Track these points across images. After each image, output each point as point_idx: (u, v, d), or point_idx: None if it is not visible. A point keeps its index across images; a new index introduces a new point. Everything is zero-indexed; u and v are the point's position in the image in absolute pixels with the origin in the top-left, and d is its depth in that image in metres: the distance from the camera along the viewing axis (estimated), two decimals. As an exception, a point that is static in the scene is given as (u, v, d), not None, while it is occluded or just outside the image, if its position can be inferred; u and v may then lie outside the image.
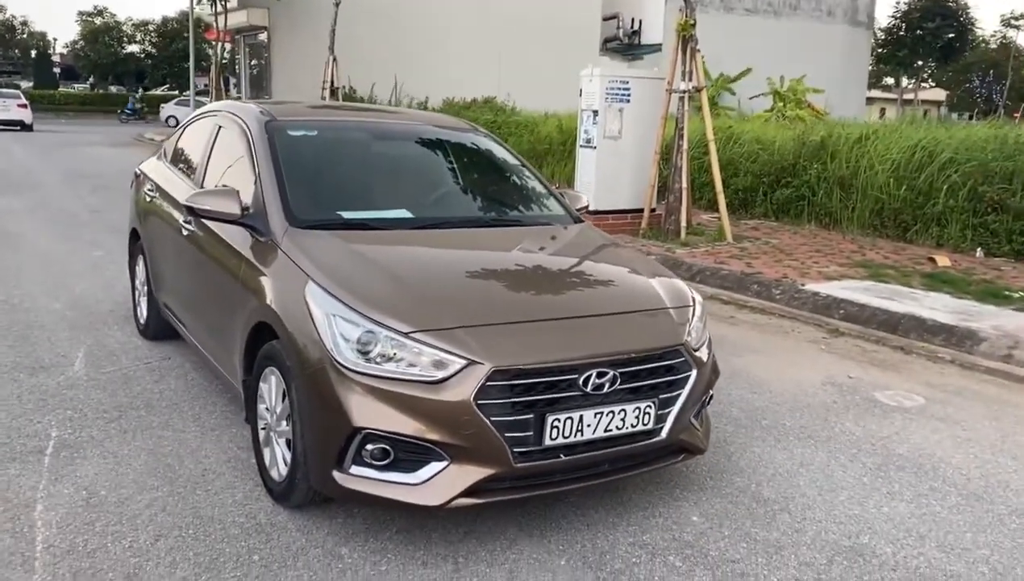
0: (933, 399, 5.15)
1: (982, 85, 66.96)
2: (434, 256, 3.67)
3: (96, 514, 3.31)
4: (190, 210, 3.85)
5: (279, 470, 3.39)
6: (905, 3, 44.84)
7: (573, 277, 3.71)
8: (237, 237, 3.86)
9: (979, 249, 9.30)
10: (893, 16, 45.45)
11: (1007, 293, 7.41)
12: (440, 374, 2.93)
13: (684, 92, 9.69)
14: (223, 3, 26.82)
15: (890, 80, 63.04)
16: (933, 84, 66.38)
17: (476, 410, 2.90)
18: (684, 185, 9.76)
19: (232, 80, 36.97)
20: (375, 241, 3.67)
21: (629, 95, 10.01)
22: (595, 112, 9.94)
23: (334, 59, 18.14)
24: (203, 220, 4.06)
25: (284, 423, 3.33)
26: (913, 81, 55.67)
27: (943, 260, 8.72)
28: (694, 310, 3.61)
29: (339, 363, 2.99)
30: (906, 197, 10.07)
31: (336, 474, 3.03)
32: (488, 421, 2.91)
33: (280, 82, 28.59)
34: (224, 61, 39.63)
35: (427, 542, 3.19)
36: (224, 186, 4.07)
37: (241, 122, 4.36)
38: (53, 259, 8.27)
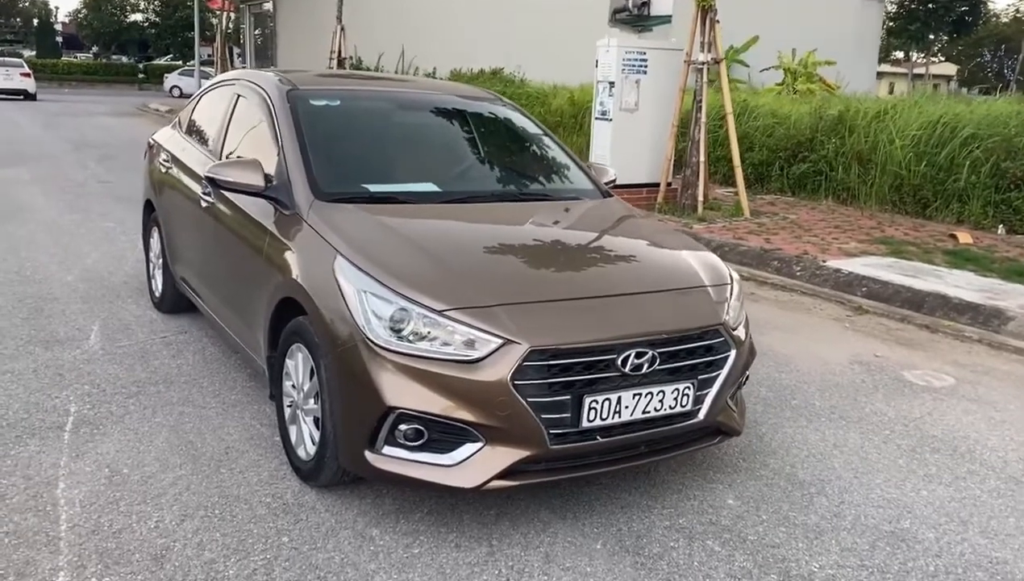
0: (963, 379, 5.06)
1: (993, 60, 66.33)
2: (465, 231, 3.56)
3: (120, 492, 3.23)
4: (212, 182, 3.73)
5: (306, 449, 3.31)
6: (918, -25, 44.25)
7: (609, 254, 3.60)
8: (260, 210, 3.75)
9: (1001, 226, 9.17)
10: (906, -12, 44.85)
11: (1031, 271, 7.29)
12: (475, 353, 2.84)
13: (703, 64, 9.52)
14: (228, -29, 26.47)
15: (899, 54, 62.31)
16: (943, 59, 65.64)
17: (513, 391, 2.81)
18: (702, 159, 9.62)
19: (236, 50, 36.65)
20: (404, 215, 3.56)
21: (646, 66, 9.83)
22: (611, 83, 9.77)
23: (342, 28, 17.91)
24: (224, 192, 3.94)
25: (312, 401, 3.25)
26: (923, 55, 55.07)
27: (965, 237, 8.59)
28: (732, 288, 3.51)
29: (371, 341, 2.89)
30: (926, 173, 9.91)
31: (368, 454, 2.94)
32: (524, 402, 2.82)
33: (286, 52, 28.32)
34: (228, 31, 39.26)
35: (459, 524, 3.12)
36: (247, 157, 3.94)
37: (261, 91, 4.24)
38: (63, 230, 8.16)
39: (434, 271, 3.09)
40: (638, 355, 2.97)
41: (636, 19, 10.52)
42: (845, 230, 9.12)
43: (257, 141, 4.16)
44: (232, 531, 3.00)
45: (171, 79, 39.85)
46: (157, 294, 5.52)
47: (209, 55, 36.85)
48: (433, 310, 2.88)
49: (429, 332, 2.87)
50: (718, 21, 9.48)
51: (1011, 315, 6.09)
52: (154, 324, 5.30)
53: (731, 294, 3.47)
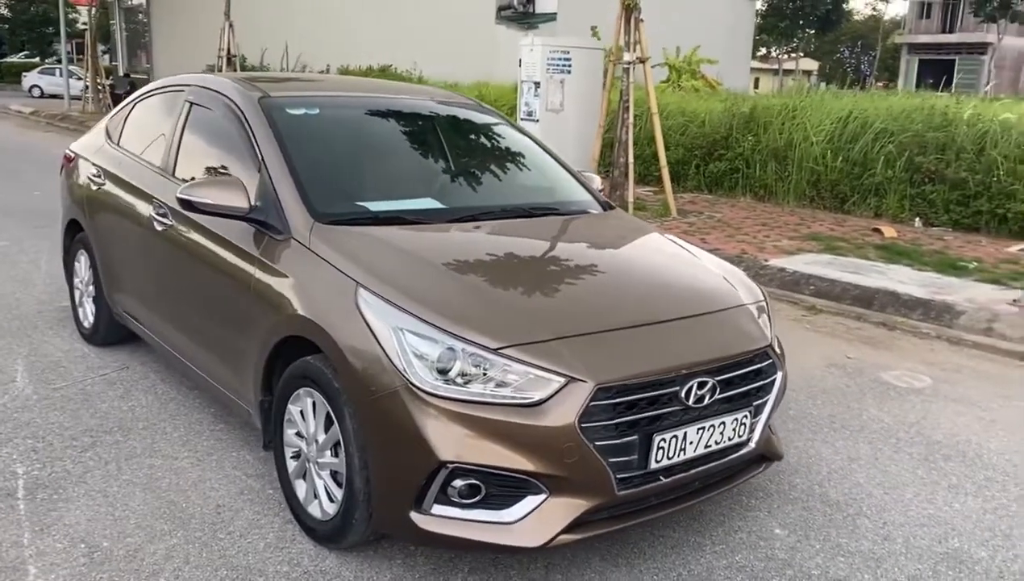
0: (938, 379, 5.08)
1: (851, 56, 70.05)
2: (494, 254, 3.22)
3: (106, 573, 2.76)
4: (186, 204, 3.26)
5: (322, 507, 2.92)
6: (786, -25, 46.16)
7: (646, 274, 3.34)
8: (240, 235, 3.32)
9: (917, 219, 9.46)
10: (775, -13, 46.72)
11: (961, 263, 7.51)
12: (536, 395, 2.54)
13: (628, 64, 9.42)
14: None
15: (762, 50, 64.81)
16: (802, 55, 68.74)
17: (580, 435, 2.53)
18: (630, 159, 9.52)
19: (101, 48, 34.53)
20: (419, 237, 3.19)
21: (570, 66, 9.68)
22: (536, 84, 9.57)
23: (230, 25, 17.01)
24: (191, 214, 3.47)
25: (329, 454, 2.86)
26: (784, 51, 57.50)
27: (889, 231, 8.81)
28: (766, 305, 3.33)
29: (416, 387, 2.54)
30: (842, 169, 10.14)
31: (415, 515, 2.59)
32: (592, 446, 2.54)
33: (162, 50, 26.87)
34: (85, 27, 36.77)
35: (508, 582, 2.81)
36: (226, 176, 3.48)
37: (224, 99, 3.77)
38: (-52, 252, 7.29)
39: (477, 303, 2.76)
40: (700, 385, 2.75)
41: (521, 16, 10.38)
42: (773, 227, 9.21)
43: (223, 156, 3.72)
44: (255, 612, 2.60)
45: (30, 78, 37.05)
46: (87, 325, 4.92)
47: (68, 52, 34.58)
48: (487, 348, 2.56)
49: (484, 373, 2.55)
50: (642, 20, 9.39)
51: (961, 310, 6.21)
52: (88, 360, 4.71)
53: (768, 311, 3.29)
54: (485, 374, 2.55)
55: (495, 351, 2.56)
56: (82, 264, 4.93)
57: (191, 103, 4.04)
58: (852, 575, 2.95)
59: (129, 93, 26.60)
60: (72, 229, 5.03)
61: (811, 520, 3.32)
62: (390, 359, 2.60)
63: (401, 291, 2.73)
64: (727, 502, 3.41)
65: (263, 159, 3.36)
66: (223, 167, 3.70)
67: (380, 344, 2.64)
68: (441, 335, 2.59)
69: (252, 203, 3.22)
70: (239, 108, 3.64)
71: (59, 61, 30.96)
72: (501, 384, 2.55)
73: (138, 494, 3.28)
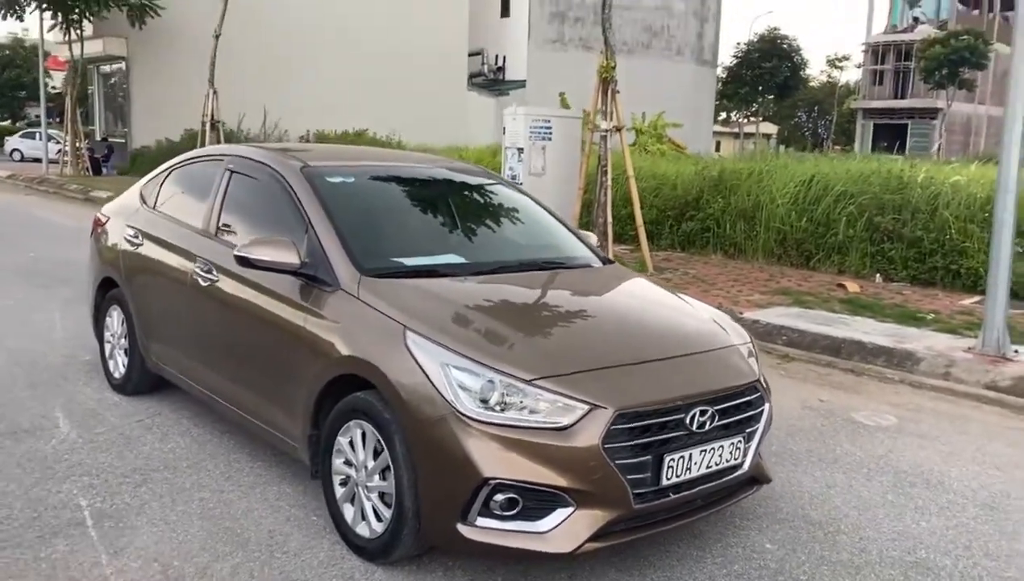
0: (903, 418, 5.58)
1: (808, 120, 72.54)
2: (518, 301, 3.69)
3: (183, 587, 3.11)
4: (243, 261, 3.69)
5: (371, 526, 3.30)
6: (745, 44, 48.08)
7: (651, 318, 3.82)
8: (289, 287, 3.74)
9: (877, 275, 10.10)
10: (735, 56, 48.57)
11: (920, 315, 8.10)
12: (565, 420, 2.97)
13: (605, 131, 10.05)
14: (78, 32, 25.35)
15: (723, 115, 66.97)
16: (761, 119, 71.08)
17: (603, 454, 2.96)
18: (609, 219, 10.09)
19: (79, 111, 34.97)
20: (452, 286, 3.65)
21: (551, 133, 10.29)
22: (520, 149, 10.16)
23: (214, 92, 17.56)
24: (240, 270, 3.88)
25: (378, 478, 3.26)
26: (744, 116, 59.56)
27: (853, 286, 9.42)
28: (752, 346, 3.81)
29: (461, 414, 2.97)
30: (807, 228, 10.81)
31: (461, 527, 2.99)
32: (613, 464, 2.98)
33: (140, 115, 27.35)
34: (56, 91, 37.17)
35: (537, 589, 3.20)
36: (276, 236, 3.89)
37: (267, 169, 4.23)
38: (-38, 310, 7.58)
39: (511, 342, 3.20)
40: (701, 413, 3.20)
41: (492, 83, 11.07)
42: (744, 283, 9.78)
43: (266, 218, 4.16)
44: (320, 616, 2.96)
45: (12, 142, 37.59)
46: (118, 376, 5.26)
47: (36, 116, 34.95)
48: (522, 380, 3.00)
49: (519, 401, 2.98)
50: (618, 92, 10.06)
51: (921, 357, 6.75)
52: (121, 407, 5.05)
53: (755, 351, 3.77)
54: (520, 402, 2.99)
55: (529, 382, 3.01)
56: (114, 319, 5.29)
57: (231, 171, 4.48)
58: (835, 580, 3.38)
59: (107, 157, 26.92)
60: (104, 287, 5.40)
61: (797, 537, 3.75)
62: (438, 391, 3.03)
63: (445, 333, 3.17)
64: (723, 523, 3.84)
65: (310, 221, 3.81)
66: (266, 228, 4.13)
67: (429, 378, 3.06)
68: (482, 369, 3.03)
69: (302, 259, 3.66)
70: (283, 176, 4.09)
71: (32, 125, 31.39)
72: (534, 411, 2.99)
73: (195, 522, 3.63)
